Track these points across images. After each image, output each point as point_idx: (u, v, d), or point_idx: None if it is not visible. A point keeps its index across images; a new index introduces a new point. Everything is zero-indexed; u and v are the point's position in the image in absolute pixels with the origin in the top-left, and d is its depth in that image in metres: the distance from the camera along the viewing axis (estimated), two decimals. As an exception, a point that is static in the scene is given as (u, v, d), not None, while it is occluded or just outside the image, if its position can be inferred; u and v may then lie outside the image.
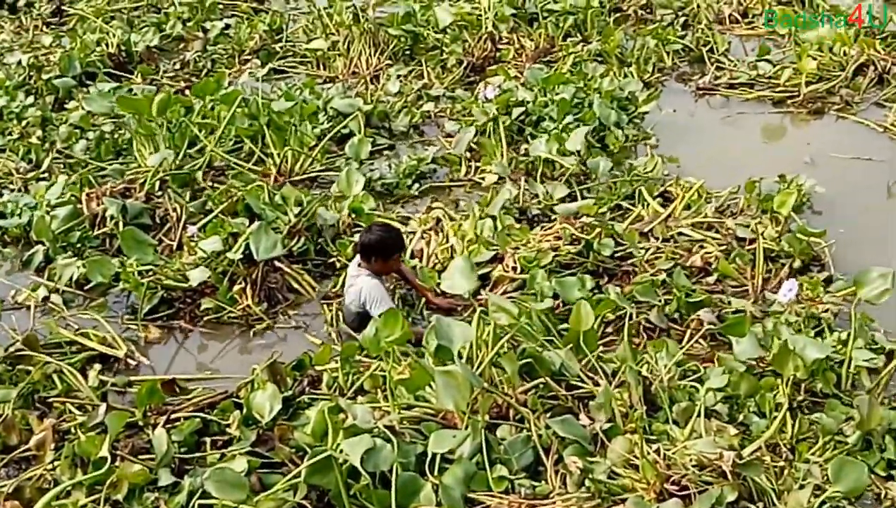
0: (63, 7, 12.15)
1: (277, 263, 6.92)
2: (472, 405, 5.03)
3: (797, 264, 6.77)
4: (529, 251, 6.74)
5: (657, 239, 7.05)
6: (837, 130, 8.96)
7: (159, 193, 7.81)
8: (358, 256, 6.39)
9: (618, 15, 11.17)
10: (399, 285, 6.76)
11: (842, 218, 7.43)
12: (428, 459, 4.82)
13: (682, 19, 11.00)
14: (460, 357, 5.15)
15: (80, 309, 6.82)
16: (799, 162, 8.32)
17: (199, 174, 8.00)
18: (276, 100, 8.87)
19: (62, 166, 8.53)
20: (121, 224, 7.36)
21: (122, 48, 10.76)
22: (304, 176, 8.28)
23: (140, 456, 5.08)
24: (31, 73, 10.13)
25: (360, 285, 6.28)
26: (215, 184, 8.00)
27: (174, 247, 7.30)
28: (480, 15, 10.85)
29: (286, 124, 8.50)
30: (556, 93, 8.87)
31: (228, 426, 5.36)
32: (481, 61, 10.37)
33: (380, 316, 5.60)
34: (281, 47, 11.01)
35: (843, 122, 9.06)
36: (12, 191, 8.21)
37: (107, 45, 10.76)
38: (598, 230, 6.87)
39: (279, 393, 5.41)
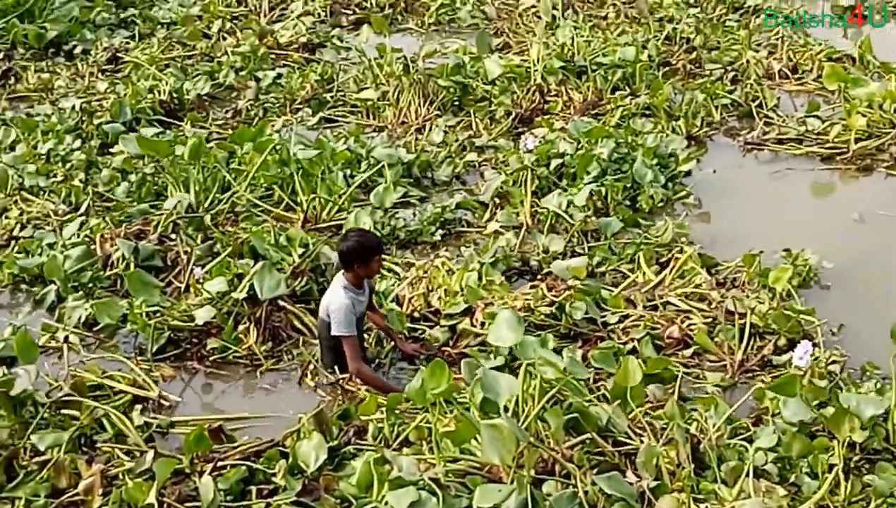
0: (118, 55, 12.36)
1: (281, 302, 7.02)
2: (518, 459, 5.01)
3: (782, 341, 6.60)
4: (500, 308, 6.67)
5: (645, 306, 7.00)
6: (887, 188, 8.89)
7: (173, 236, 7.97)
8: (341, 271, 6.45)
9: (666, 69, 11.17)
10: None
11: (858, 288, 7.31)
12: (473, 513, 4.81)
13: (731, 74, 10.98)
14: (506, 410, 5.14)
15: (91, 351, 6.89)
16: (847, 219, 8.27)
17: (207, 217, 8.11)
18: (303, 148, 8.97)
19: (101, 209, 8.69)
20: (132, 265, 7.48)
21: (174, 95, 10.94)
22: (331, 222, 8.36)
23: (186, 504, 5.11)
24: (83, 118, 10.31)
25: (332, 299, 6.36)
26: (230, 229, 8.12)
27: (182, 289, 7.42)
28: (529, 67, 10.91)
29: (314, 172, 8.64)
30: (597, 147, 8.84)
31: (274, 475, 5.38)
32: (529, 113, 10.42)
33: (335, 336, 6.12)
34: (332, 96, 11.13)
35: (892, 180, 8.97)
36: (51, 231, 8.35)
37: (159, 92, 10.95)
38: (568, 293, 6.87)
39: (325, 442, 5.43)
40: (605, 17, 12.89)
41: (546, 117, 10.19)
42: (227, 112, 11.01)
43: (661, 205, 8.52)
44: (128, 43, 12.80)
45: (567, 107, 10.51)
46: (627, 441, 5.34)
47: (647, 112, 10.20)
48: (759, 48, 11.57)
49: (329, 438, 5.55)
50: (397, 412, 5.74)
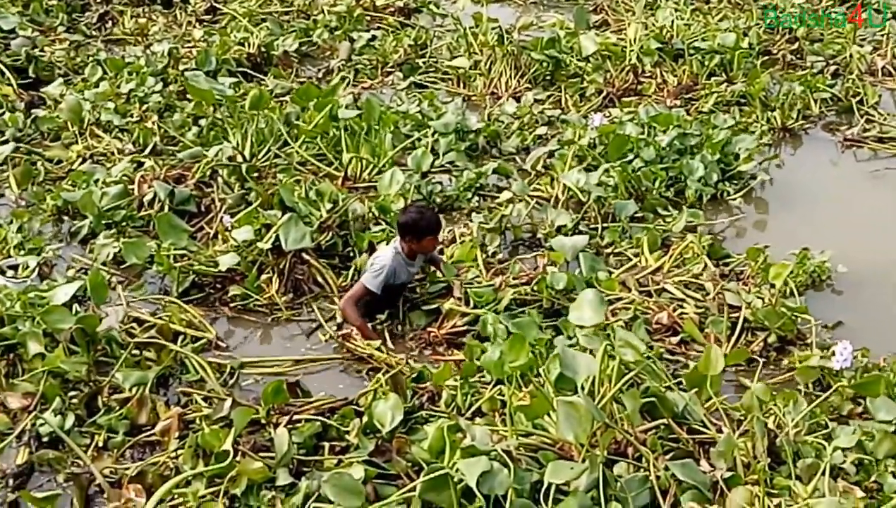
0: (216, 5, 12.45)
1: (305, 256, 7.09)
2: (592, 439, 4.98)
3: (772, 338, 6.51)
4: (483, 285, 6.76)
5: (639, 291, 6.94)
6: None
7: (212, 183, 8.07)
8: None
9: (766, 58, 10.99)
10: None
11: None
12: (543, 488, 4.76)
13: (832, 68, 10.77)
14: (582, 389, 5.11)
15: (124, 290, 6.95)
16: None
17: (245, 168, 8.14)
18: (344, 107, 8.97)
19: (168, 152, 8.82)
20: (166, 208, 7.59)
21: (262, 49, 11.01)
22: (371, 183, 8.38)
23: (260, 454, 5.14)
24: (170, 63, 10.42)
25: (380, 254, 6.67)
26: (272, 181, 8.17)
27: (211, 236, 7.53)
28: (625, 46, 10.80)
29: (360, 132, 8.70)
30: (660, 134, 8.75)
31: (347, 432, 5.41)
32: (621, 93, 10.33)
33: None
34: (424, 62, 11.13)
35: None
36: (105, 168, 8.48)
37: (248, 44, 11.03)
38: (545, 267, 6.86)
39: (401, 403, 5.44)
40: (708, 1, 12.71)
41: (638, 98, 10.09)
42: (318, 70, 11.06)
43: (707, 200, 8.35)
44: (228, -6, 12.91)
45: (660, 90, 10.42)
46: (703, 429, 5.28)
47: (742, 100, 10.05)
48: (863, 43, 11.33)
49: (403, 400, 5.57)
50: (471, 381, 5.74)
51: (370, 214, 7.67)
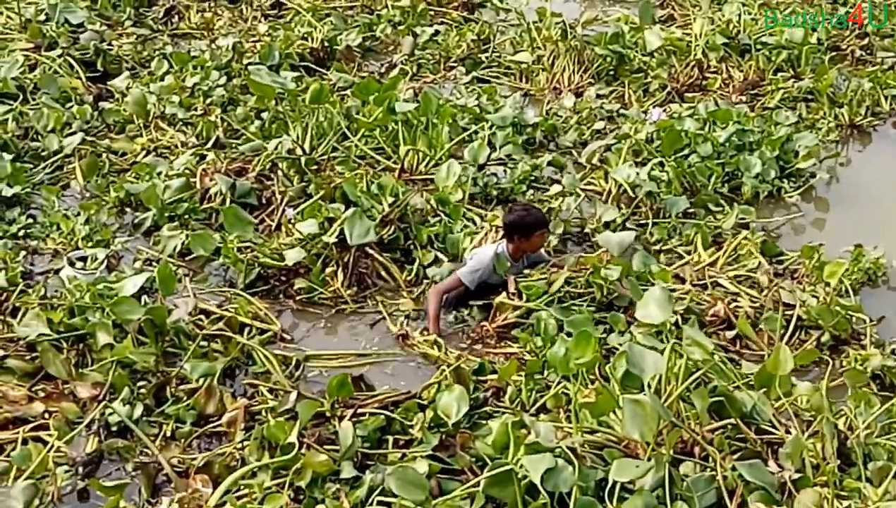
0: (282, 0, 12.52)
1: (369, 249, 7.13)
2: (658, 437, 4.94)
3: (826, 338, 6.42)
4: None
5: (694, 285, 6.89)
6: None
7: (272, 176, 8.10)
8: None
9: (834, 54, 10.83)
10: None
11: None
12: (608, 486, 4.74)
13: (903, 64, 10.62)
14: (649, 387, 5.07)
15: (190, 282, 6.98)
16: None
17: (305, 161, 8.16)
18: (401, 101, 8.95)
19: (230, 145, 8.86)
20: (228, 201, 7.63)
21: (326, 44, 11.06)
22: (427, 175, 8.37)
23: (324, 446, 5.16)
24: (234, 57, 10.48)
25: (480, 251, 6.80)
26: (331, 174, 8.18)
27: (273, 228, 7.58)
28: (690, 42, 10.70)
29: (417, 125, 8.67)
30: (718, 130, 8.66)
31: (411, 426, 5.43)
32: (686, 88, 10.23)
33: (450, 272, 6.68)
34: (487, 57, 11.11)
35: None
36: (168, 161, 8.56)
37: (311, 39, 11.08)
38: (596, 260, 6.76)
39: (466, 394, 5.45)
40: (776, -4, 12.54)
41: (703, 94, 10.00)
42: (381, 65, 11.08)
43: (765, 197, 8.25)
44: (293, -11, 12.97)
45: (726, 85, 10.30)
46: (771, 430, 5.22)
47: (809, 97, 9.92)
48: (935, 39, 11.12)
49: (468, 391, 5.56)
50: (537, 377, 5.73)
51: (429, 207, 7.69)
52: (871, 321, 6.62)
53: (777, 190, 8.39)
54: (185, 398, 5.71)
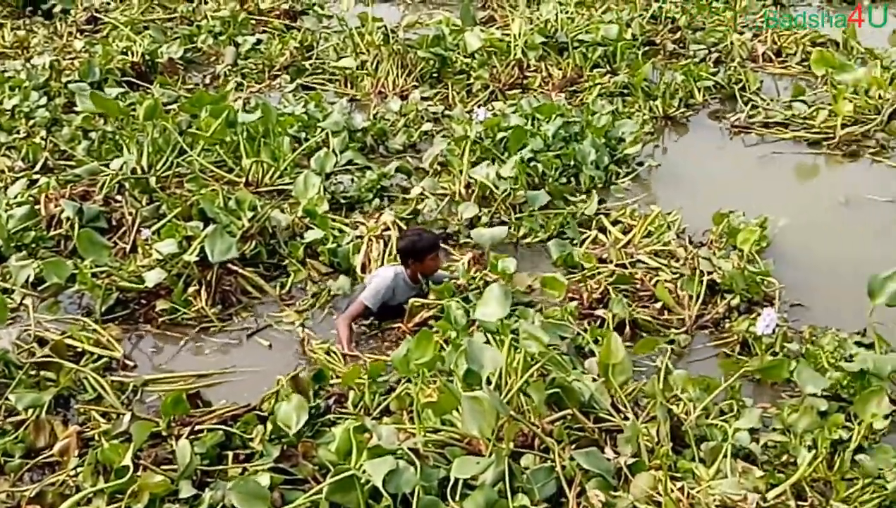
0: (98, 15, 12.21)
1: (232, 266, 7.04)
2: (498, 432, 4.98)
3: (736, 301, 6.70)
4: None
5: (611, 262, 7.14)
6: (872, 173, 8.90)
7: (119, 197, 7.91)
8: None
9: (649, 48, 11.18)
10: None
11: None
12: (450, 484, 4.76)
13: (714, 56, 11.01)
14: (489, 383, 5.12)
15: (36, 311, 6.74)
16: (833, 202, 8.32)
17: (153, 179, 8.06)
18: (246, 112, 8.89)
19: (60, 167, 8.62)
20: (76, 226, 7.42)
21: (147, 57, 10.84)
22: (273, 187, 8.36)
23: (162, 467, 5.03)
24: (52, 76, 10.21)
25: (380, 272, 6.74)
26: (176, 191, 8.07)
27: (127, 250, 7.40)
28: (510, 42, 10.88)
29: (258, 136, 8.63)
30: (545, 124, 8.85)
31: (251, 440, 5.34)
32: (507, 87, 10.41)
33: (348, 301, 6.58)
34: (311, 64, 11.08)
35: (878, 166, 9.00)
36: None
37: (131, 53, 10.85)
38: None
39: (305, 403, 5.39)
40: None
41: (524, 92, 10.18)
42: (205, 76, 10.94)
43: (600, 186, 8.48)
44: (108, 3, 12.67)
45: (546, 83, 10.53)
46: (609, 418, 5.33)
47: (626, 91, 10.21)
48: (744, 30, 11.58)
49: (307, 400, 5.51)
50: (379, 380, 5.72)
51: (296, 220, 7.61)
52: (780, 284, 6.87)
53: (612, 177, 8.63)
54: (12, 430, 5.47)
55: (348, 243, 7.35)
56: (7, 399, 5.61)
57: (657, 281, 6.86)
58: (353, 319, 6.55)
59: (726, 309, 6.70)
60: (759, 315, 6.18)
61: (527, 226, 7.75)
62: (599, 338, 5.91)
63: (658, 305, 6.73)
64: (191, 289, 6.92)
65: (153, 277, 6.86)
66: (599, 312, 6.53)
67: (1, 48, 11.64)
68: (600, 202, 8.12)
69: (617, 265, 7.09)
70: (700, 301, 6.70)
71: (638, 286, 6.91)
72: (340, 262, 7.25)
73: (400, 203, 8.14)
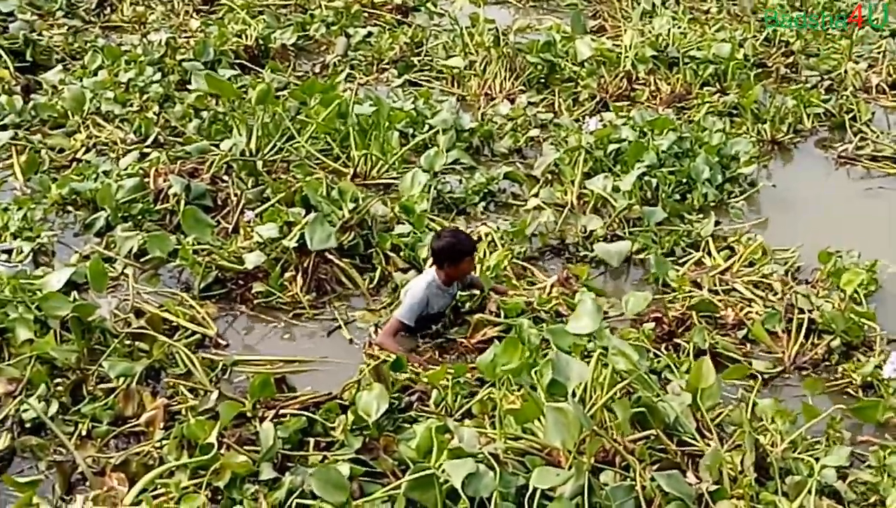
0: (214, -5, 12.42)
1: (328, 255, 7.07)
2: (580, 446, 4.96)
3: (836, 343, 6.51)
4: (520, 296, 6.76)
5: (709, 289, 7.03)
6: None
7: (225, 177, 8.03)
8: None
9: (760, 70, 11.01)
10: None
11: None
12: (528, 493, 4.74)
13: (826, 83, 10.81)
14: (574, 396, 5.10)
15: (137, 282, 6.91)
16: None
17: (260, 163, 8.16)
18: (356, 103, 8.89)
19: (169, 143, 8.79)
20: (182, 202, 7.54)
21: (260, 42, 10.99)
22: (380, 180, 8.41)
23: (245, 447, 5.11)
24: (168, 52, 10.38)
25: (413, 286, 6.57)
26: (282, 176, 8.15)
27: (230, 231, 7.50)
28: (620, 53, 10.81)
29: (370, 129, 8.66)
30: (658, 138, 8.77)
31: (333, 428, 5.39)
32: (614, 98, 10.33)
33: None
34: (419, 60, 11.12)
35: None
36: (111, 159, 8.48)
37: (245, 36, 11.00)
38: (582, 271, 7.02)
39: (386, 392, 5.43)
40: (707, 12, 12.73)
41: (629, 104, 10.11)
42: (314, 65, 11.05)
43: (713, 204, 8.38)
44: (225, -15, 12.84)
45: (654, 97, 10.43)
46: (692, 441, 5.27)
47: (734, 111, 10.07)
48: (859, 60, 11.32)
49: (387, 389, 5.53)
50: (462, 383, 5.73)
51: (392, 215, 7.64)
52: (881, 329, 6.69)
53: (725, 196, 8.53)
54: (102, 397, 5.61)
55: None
56: (101, 366, 5.74)
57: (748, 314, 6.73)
58: (393, 335, 6.43)
59: (826, 350, 6.52)
60: (868, 358, 6.08)
61: (641, 242, 7.64)
62: (674, 365, 5.88)
63: (741, 333, 6.63)
64: (287, 275, 6.99)
65: (252, 259, 6.96)
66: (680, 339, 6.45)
67: (120, 22, 11.89)
68: (716, 223, 7.99)
69: (710, 291, 6.98)
70: (797, 340, 6.52)
71: (723, 314, 6.77)
72: (416, 258, 7.24)
73: (513, 212, 8.14)
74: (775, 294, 6.94)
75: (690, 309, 6.72)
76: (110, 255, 7.16)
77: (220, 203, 7.82)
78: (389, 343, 6.35)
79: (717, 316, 6.78)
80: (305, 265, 7.01)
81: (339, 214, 7.33)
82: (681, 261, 7.52)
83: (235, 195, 7.78)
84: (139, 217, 7.64)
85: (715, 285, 7.09)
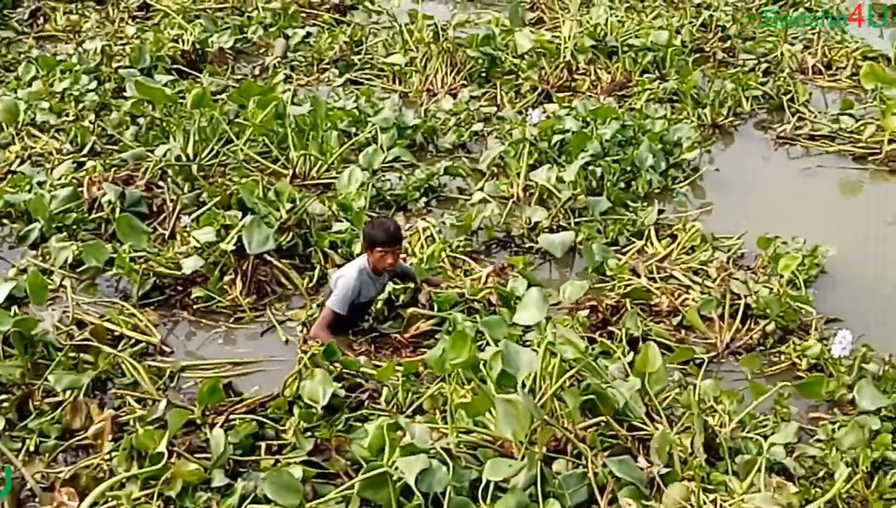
0: (149, 2, 12.30)
1: (268, 257, 7.05)
2: (531, 436, 4.97)
3: (771, 327, 6.57)
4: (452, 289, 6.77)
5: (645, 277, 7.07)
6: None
7: (161, 183, 7.95)
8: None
9: (698, 56, 11.10)
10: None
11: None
12: (482, 486, 4.76)
13: (764, 66, 10.91)
14: (523, 386, 5.11)
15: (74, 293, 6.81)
16: (880, 221, 8.22)
17: (195, 167, 8.10)
18: (294, 104, 8.88)
19: (107, 152, 8.69)
20: (117, 210, 7.48)
21: (197, 46, 10.91)
22: (320, 181, 8.38)
23: (196, 455, 5.07)
24: (103, 60, 10.29)
25: (343, 274, 6.53)
26: (219, 180, 8.10)
27: (167, 237, 7.44)
28: (560, 44, 10.85)
29: (308, 129, 8.64)
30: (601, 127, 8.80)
31: (284, 431, 5.36)
32: (556, 89, 10.37)
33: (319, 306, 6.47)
34: (359, 59, 11.10)
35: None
36: (45, 169, 8.38)
37: (182, 41, 10.92)
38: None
39: (329, 376, 5.43)
40: (643, 0, 12.80)
41: (572, 95, 10.15)
42: (254, 67, 11.01)
43: (657, 191, 8.44)
44: (161, -10, 12.75)
45: (594, 87, 10.49)
46: (643, 426, 5.30)
47: (675, 97, 10.15)
48: (794, 42, 11.47)
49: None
50: (413, 379, 5.72)
51: (330, 213, 7.63)
52: (817, 313, 6.75)
53: (667, 183, 8.59)
54: (49, 411, 5.55)
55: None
56: (46, 380, 5.66)
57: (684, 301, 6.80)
58: (327, 326, 6.42)
59: (761, 335, 6.57)
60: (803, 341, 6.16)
61: (586, 231, 7.65)
62: (610, 351, 5.95)
63: (675, 321, 6.69)
64: (226, 278, 6.96)
65: (190, 264, 6.92)
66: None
67: (53, 31, 11.76)
68: (660, 212, 8.02)
69: (648, 279, 7.02)
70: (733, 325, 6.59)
71: (658, 301, 6.83)
72: (353, 255, 7.16)
73: (459, 207, 8.15)
74: (713, 280, 6.97)
75: (625, 297, 6.76)
76: (46, 267, 7.07)
77: (156, 209, 7.75)
78: (323, 334, 6.33)
79: (653, 303, 6.83)
80: (244, 268, 6.99)
81: (277, 215, 7.31)
82: (624, 250, 7.55)
83: (171, 201, 7.72)
84: (74, 227, 7.55)
85: (652, 273, 7.13)
